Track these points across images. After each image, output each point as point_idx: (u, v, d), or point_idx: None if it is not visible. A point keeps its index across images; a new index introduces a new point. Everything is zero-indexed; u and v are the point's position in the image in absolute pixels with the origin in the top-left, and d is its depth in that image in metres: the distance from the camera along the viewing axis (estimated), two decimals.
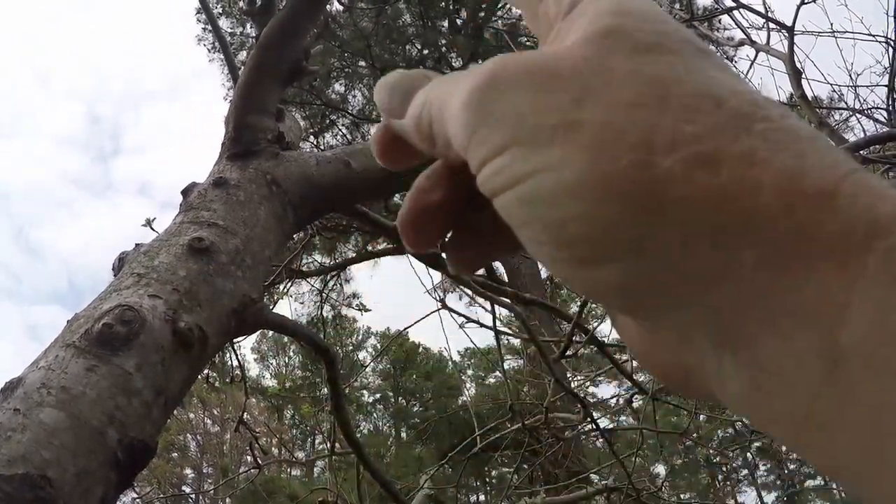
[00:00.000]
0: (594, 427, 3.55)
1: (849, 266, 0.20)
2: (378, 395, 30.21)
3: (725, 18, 7.00)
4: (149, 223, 2.31)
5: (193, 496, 21.82)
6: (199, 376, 1.08)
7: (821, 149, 0.22)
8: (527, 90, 0.25)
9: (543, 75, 0.25)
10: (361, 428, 27.81)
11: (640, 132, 0.23)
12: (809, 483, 24.61)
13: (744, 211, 0.21)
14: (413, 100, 0.31)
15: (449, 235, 0.34)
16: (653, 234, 0.22)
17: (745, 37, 4.21)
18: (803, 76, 3.52)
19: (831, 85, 4.47)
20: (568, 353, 2.62)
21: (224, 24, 12.09)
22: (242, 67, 1.47)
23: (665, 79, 0.24)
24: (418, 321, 3.60)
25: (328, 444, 3.48)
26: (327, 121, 12.05)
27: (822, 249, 0.21)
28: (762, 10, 3.82)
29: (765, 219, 0.21)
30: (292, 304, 11.39)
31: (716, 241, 0.22)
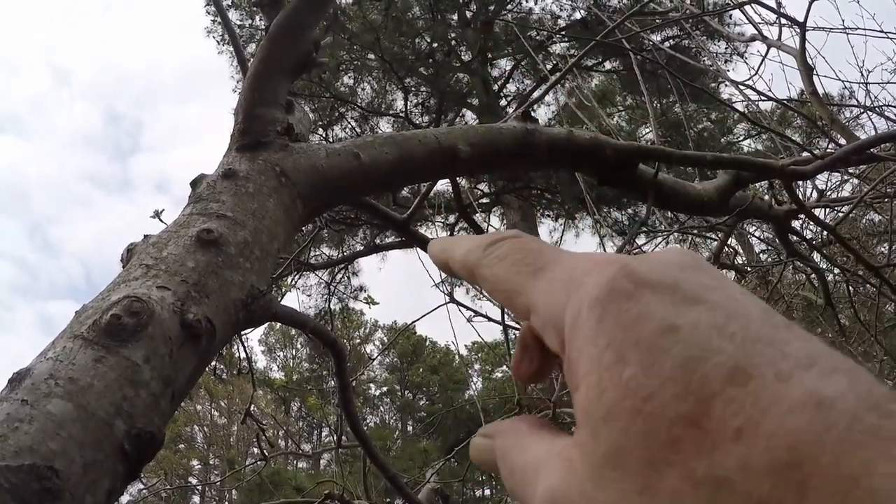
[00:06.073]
0: None
1: None
2: (385, 389, 30.26)
3: (737, 13, 6.96)
4: (157, 215, 2.31)
5: (200, 487, 21.89)
6: (207, 368, 1.08)
7: None
8: None
9: None
10: (368, 421, 27.86)
11: None
12: None
13: None
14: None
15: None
16: None
17: (756, 32, 4.18)
18: (815, 72, 3.50)
19: (843, 82, 4.43)
20: None
21: (233, 16, 12.10)
22: (252, 59, 1.47)
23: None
24: (425, 315, 3.59)
25: (335, 437, 3.48)
26: (336, 113, 12.05)
27: None
28: (774, 5, 3.79)
29: None
30: (300, 296, 11.43)
31: None
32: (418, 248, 2.33)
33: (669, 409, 0.24)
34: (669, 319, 0.25)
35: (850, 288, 4.17)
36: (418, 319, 3.93)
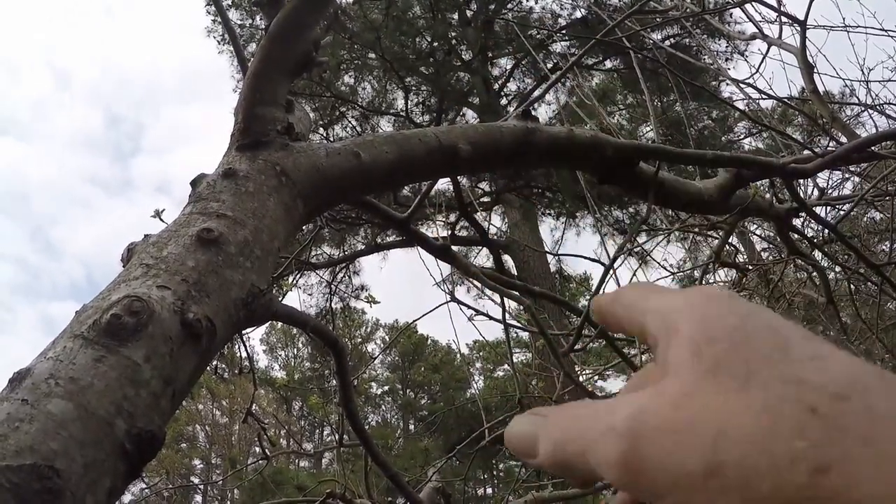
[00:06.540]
0: None
1: None
2: (386, 388, 30.28)
3: (737, 12, 6.95)
4: (158, 214, 2.31)
5: (202, 486, 21.91)
6: (208, 367, 1.08)
7: None
8: (669, 448, 0.32)
9: (678, 429, 0.32)
10: (370, 420, 27.88)
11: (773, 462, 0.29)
12: None
13: None
14: (539, 443, 0.39)
15: None
16: None
17: (756, 31, 4.17)
18: (815, 71, 3.49)
19: (843, 80, 4.43)
20: (577, 346, 2.60)
21: (233, 15, 12.10)
22: (252, 59, 1.47)
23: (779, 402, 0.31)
24: (427, 313, 3.58)
25: (336, 436, 3.48)
26: (337, 112, 12.05)
27: None
28: (774, 3, 3.79)
29: None
30: (301, 295, 11.43)
31: None
32: (419, 247, 2.33)
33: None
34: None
35: (852, 286, 4.17)
36: (419, 318, 3.92)
